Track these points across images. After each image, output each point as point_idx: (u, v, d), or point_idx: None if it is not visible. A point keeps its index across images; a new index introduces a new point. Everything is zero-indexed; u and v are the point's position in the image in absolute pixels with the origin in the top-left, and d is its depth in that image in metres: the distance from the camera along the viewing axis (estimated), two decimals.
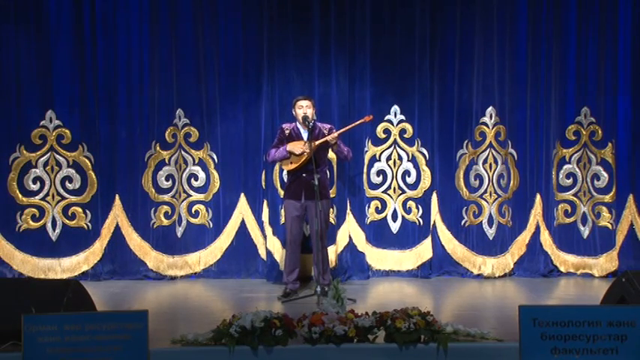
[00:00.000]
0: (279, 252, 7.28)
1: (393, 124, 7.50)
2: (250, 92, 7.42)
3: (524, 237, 7.61)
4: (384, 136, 7.51)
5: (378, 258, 7.53)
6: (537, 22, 7.47)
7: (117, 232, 7.38)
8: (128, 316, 4.25)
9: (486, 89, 7.48)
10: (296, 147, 6.42)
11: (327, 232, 6.77)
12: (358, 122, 6.77)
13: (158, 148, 7.38)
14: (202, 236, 7.50)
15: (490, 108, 7.50)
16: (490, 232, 7.53)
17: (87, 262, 7.35)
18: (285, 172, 6.94)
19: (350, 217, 7.43)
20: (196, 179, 7.50)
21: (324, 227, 6.49)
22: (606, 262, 7.54)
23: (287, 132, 6.61)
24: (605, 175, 7.57)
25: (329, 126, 6.69)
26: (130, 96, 7.34)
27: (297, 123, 6.61)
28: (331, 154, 6.91)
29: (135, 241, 7.39)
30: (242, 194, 7.46)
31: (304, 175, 6.43)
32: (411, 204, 7.49)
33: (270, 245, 7.34)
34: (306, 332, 4.38)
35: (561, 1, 7.49)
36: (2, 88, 7.23)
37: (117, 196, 7.36)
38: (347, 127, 6.75)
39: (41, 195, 7.32)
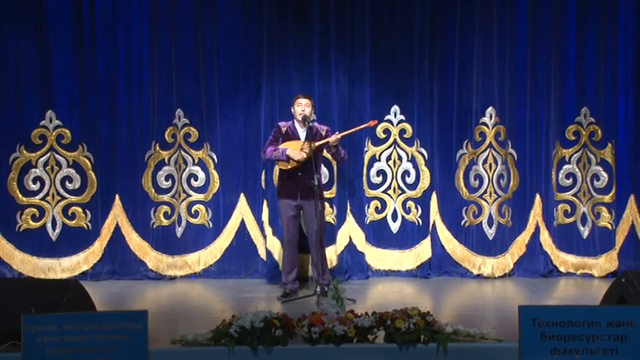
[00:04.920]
0: (278, 252, 7.27)
1: (392, 124, 7.50)
2: (250, 92, 7.42)
3: (524, 237, 7.61)
4: (383, 136, 7.51)
5: (378, 258, 7.53)
6: (537, 22, 7.48)
7: (117, 232, 7.38)
8: (128, 316, 4.25)
9: (486, 89, 7.48)
10: (295, 152, 6.38)
11: (324, 232, 6.76)
12: (362, 127, 6.77)
13: (158, 148, 7.38)
14: (202, 236, 7.51)
15: (490, 108, 7.50)
16: (490, 233, 7.53)
17: (87, 262, 7.35)
18: (279, 170, 6.88)
19: (350, 217, 7.43)
20: (196, 179, 7.50)
21: (322, 227, 6.47)
22: (606, 263, 7.55)
23: (283, 130, 6.60)
24: (605, 175, 7.57)
25: (326, 127, 6.68)
26: (130, 96, 7.34)
27: (295, 121, 6.60)
28: (327, 154, 6.90)
29: (135, 241, 7.39)
30: (242, 194, 7.46)
31: (300, 174, 6.41)
32: (411, 204, 7.50)
33: (270, 245, 7.34)
34: (306, 332, 4.38)
35: (561, 1, 7.49)
36: (2, 88, 7.24)
37: (117, 196, 7.36)
38: (350, 131, 6.74)
39: (41, 195, 7.32)
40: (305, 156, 6.31)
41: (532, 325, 4.18)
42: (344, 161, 6.83)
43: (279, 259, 7.25)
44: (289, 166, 6.46)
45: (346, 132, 6.69)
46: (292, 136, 6.55)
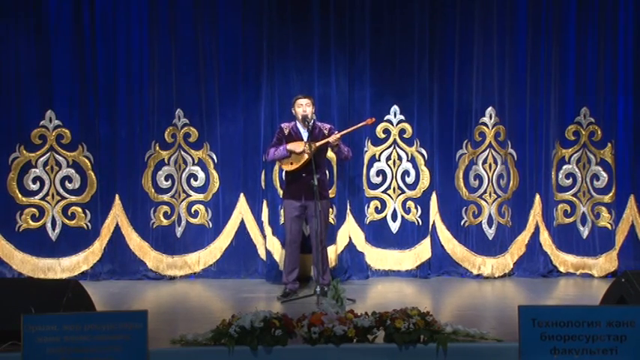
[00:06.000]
0: (278, 252, 7.28)
1: (392, 124, 7.50)
2: (250, 92, 7.42)
3: (524, 237, 7.61)
4: (383, 136, 7.51)
5: (378, 258, 7.53)
6: (537, 22, 7.48)
7: (116, 232, 7.38)
8: (127, 316, 4.25)
9: (486, 89, 7.48)
10: (295, 145, 6.40)
11: (326, 232, 6.77)
12: (360, 125, 6.76)
13: (158, 148, 7.38)
14: (202, 236, 7.50)
15: (490, 108, 7.50)
16: (490, 232, 7.53)
17: (86, 262, 7.35)
18: (284, 172, 6.92)
19: (350, 217, 7.43)
20: (196, 179, 7.50)
21: (323, 227, 6.48)
22: (606, 263, 7.55)
23: (286, 131, 6.60)
24: (605, 175, 7.57)
25: (329, 126, 6.68)
26: (130, 96, 7.34)
27: (297, 122, 6.60)
28: (330, 154, 6.91)
29: (134, 241, 7.39)
30: (241, 194, 7.46)
31: (304, 175, 6.41)
32: (411, 204, 7.50)
33: (270, 245, 7.34)
34: (306, 332, 4.38)
35: (561, 1, 7.49)
36: (2, 88, 7.24)
37: (116, 196, 7.36)
38: (349, 130, 6.74)
39: (41, 195, 7.32)
40: (307, 150, 6.30)
41: (532, 325, 4.17)
42: (348, 159, 6.82)
43: (279, 259, 7.25)
44: (293, 167, 6.46)
45: (345, 131, 6.68)
46: (295, 136, 6.55)
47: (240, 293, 6.80)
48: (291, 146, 6.42)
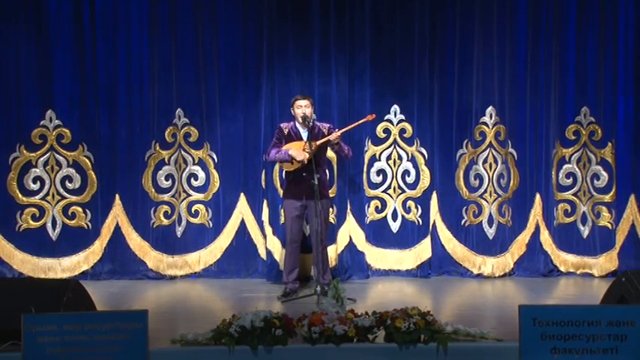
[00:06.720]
0: (278, 252, 7.28)
1: (392, 124, 7.50)
2: (250, 92, 7.42)
3: (524, 237, 7.61)
4: (384, 135, 7.51)
5: (378, 257, 7.53)
6: (537, 22, 7.48)
7: (117, 231, 7.38)
8: (128, 315, 4.25)
9: (486, 89, 7.48)
10: (298, 153, 6.38)
11: (326, 231, 6.76)
12: (361, 121, 6.77)
13: (158, 147, 7.38)
14: (202, 236, 7.51)
15: (490, 108, 7.50)
16: (490, 232, 7.53)
17: (87, 262, 7.35)
18: (284, 172, 6.92)
19: (350, 217, 7.43)
20: (196, 179, 7.50)
21: (323, 227, 6.47)
22: (606, 262, 7.55)
23: (285, 131, 6.60)
24: (605, 174, 7.57)
25: (328, 125, 6.68)
26: (130, 96, 7.34)
27: (296, 122, 6.60)
28: (330, 153, 6.91)
29: (135, 241, 7.39)
30: (242, 194, 7.47)
31: (304, 174, 6.40)
32: (411, 204, 7.50)
33: (270, 245, 7.34)
34: (306, 332, 4.38)
35: (561, 1, 7.49)
36: (2, 88, 7.24)
37: (117, 196, 7.36)
38: (350, 127, 6.74)
39: (41, 195, 7.33)
40: (307, 156, 6.31)
41: (532, 324, 4.17)
42: (349, 157, 6.82)
43: (279, 259, 7.25)
44: (293, 167, 6.46)
45: (345, 128, 6.68)
46: (294, 136, 6.55)
47: (240, 293, 6.80)
48: (293, 152, 6.40)
